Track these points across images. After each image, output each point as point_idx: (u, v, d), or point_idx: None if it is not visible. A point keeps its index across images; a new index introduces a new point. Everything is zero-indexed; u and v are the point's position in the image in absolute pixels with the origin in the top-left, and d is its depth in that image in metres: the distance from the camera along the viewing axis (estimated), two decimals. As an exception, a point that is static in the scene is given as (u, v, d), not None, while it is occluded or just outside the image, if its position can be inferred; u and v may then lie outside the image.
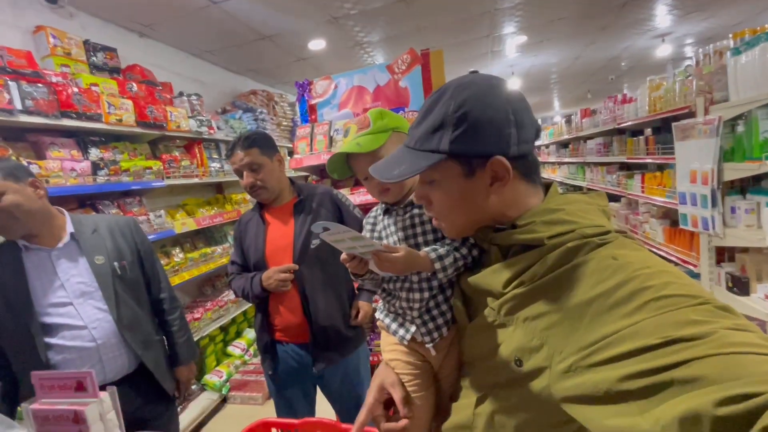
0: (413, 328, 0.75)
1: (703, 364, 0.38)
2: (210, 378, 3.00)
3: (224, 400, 3.01)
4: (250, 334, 3.58)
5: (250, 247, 1.60)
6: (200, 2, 2.84)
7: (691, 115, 2.21)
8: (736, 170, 1.90)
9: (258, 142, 1.53)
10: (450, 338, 0.75)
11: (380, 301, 0.85)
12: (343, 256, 0.72)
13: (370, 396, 0.76)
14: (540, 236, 0.56)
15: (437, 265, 0.68)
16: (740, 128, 1.92)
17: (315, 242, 1.53)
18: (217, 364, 3.20)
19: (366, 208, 2.20)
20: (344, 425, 0.90)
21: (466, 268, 0.71)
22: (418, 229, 0.77)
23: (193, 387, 2.91)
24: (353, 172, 0.85)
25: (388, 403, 0.77)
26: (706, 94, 2.11)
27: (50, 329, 1.23)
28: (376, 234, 0.85)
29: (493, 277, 0.61)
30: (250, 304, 3.50)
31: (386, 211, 0.84)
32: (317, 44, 3.95)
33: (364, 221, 0.90)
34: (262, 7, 3.03)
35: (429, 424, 0.76)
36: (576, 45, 5.31)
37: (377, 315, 0.86)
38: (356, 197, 2.15)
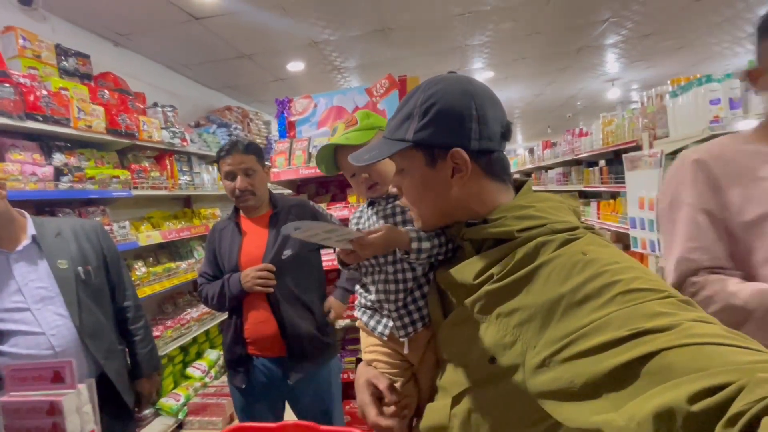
0: (390, 323, 0.77)
1: (670, 354, 0.38)
2: (166, 401, 2.80)
3: (180, 426, 2.81)
4: (212, 355, 3.41)
5: (225, 256, 1.59)
6: (182, 17, 2.87)
7: (638, 148, 2.47)
8: (677, 198, 2.12)
9: (257, 150, 1.59)
10: (427, 337, 0.76)
11: (357, 297, 0.86)
12: (338, 250, 0.73)
13: (364, 395, 0.75)
14: (510, 229, 0.58)
15: (414, 245, 0.68)
16: (679, 161, 2.17)
17: (286, 253, 1.53)
18: (175, 387, 3.01)
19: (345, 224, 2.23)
20: (324, 427, 0.89)
21: (440, 262, 0.73)
22: (399, 218, 0.81)
23: (146, 411, 2.71)
24: (340, 169, 0.88)
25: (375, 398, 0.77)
26: (650, 130, 2.37)
27: (3, 336, 1.16)
28: (361, 226, 0.88)
29: (465, 271, 0.62)
30: (213, 324, 3.37)
31: (370, 204, 0.88)
32: (296, 66, 4.05)
33: (350, 218, 0.93)
34: (245, 26, 3.09)
35: (414, 411, 0.76)
36: (538, 83, 5.77)
37: (356, 314, 0.87)
38: (332, 213, 2.18)
